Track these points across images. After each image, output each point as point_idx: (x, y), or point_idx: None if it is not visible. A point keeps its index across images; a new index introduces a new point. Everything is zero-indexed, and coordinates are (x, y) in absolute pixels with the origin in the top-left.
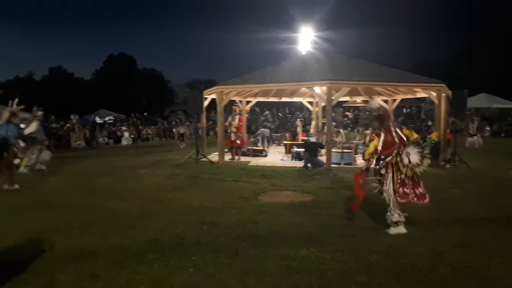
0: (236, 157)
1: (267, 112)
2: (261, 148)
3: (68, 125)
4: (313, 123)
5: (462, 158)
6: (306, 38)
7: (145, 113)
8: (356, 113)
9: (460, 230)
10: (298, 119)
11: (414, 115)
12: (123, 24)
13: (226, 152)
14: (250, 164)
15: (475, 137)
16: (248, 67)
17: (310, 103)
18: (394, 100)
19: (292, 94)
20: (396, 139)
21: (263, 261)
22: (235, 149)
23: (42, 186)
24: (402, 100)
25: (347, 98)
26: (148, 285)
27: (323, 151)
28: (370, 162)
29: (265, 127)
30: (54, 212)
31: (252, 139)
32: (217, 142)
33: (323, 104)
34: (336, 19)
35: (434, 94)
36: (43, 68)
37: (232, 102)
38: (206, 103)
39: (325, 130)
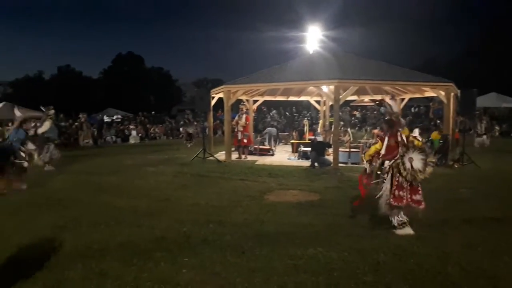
0: (243, 156)
1: (274, 111)
2: (268, 147)
3: (76, 123)
4: (321, 122)
5: (471, 158)
6: (313, 37)
7: (153, 112)
8: (363, 112)
9: (468, 230)
10: (305, 118)
11: (422, 114)
12: (131, 23)
13: (233, 151)
14: (257, 163)
15: (484, 137)
16: (256, 66)
17: (318, 102)
18: (402, 99)
19: (299, 93)
20: (400, 145)
21: (270, 260)
22: (242, 148)
23: (51, 184)
24: (410, 99)
25: (354, 97)
26: (155, 282)
27: (330, 150)
28: (371, 165)
29: (272, 126)
30: (63, 210)
31: (259, 138)
32: (224, 141)
33: (330, 103)
34: (344, 18)
35: (442, 93)
36: (52, 67)
37: (239, 101)
38: (213, 102)
39: (333, 129)
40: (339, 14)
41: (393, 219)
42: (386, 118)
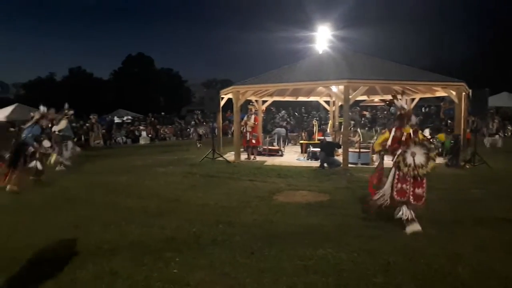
0: (252, 157)
1: (283, 112)
2: (277, 147)
3: (87, 124)
4: (330, 122)
5: (483, 158)
6: (323, 37)
7: (163, 113)
8: (373, 112)
9: (480, 231)
10: (314, 119)
11: (433, 114)
12: (141, 24)
13: (242, 152)
14: (266, 163)
15: (496, 137)
16: (265, 66)
17: (327, 102)
18: (413, 99)
19: (308, 93)
20: (403, 138)
21: (279, 261)
22: (251, 149)
23: (62, 184)
24: (421, 99)
25: (364, 97)
26: (165, 282)
27: (340, 150)
28: (380, 155)
29: (281, 126)
30: (74, 210)
31: (268, 138)
32: (233, 141)
33: (340, 103)
34: (354, 17)
35: (453, 93)
36: (64, 69)
37: (248, 102)
38: (222, 102)
39: (342, 129)
40: (348, 13)
41: (400, 212)
42: (397, 114)
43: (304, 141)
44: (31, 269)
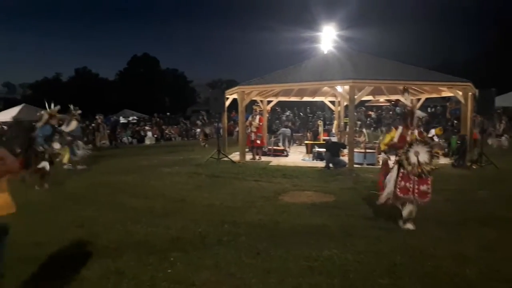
0: (257, 157)
1: (288, 112)
2: (282, 148)
3: (93, 125)
4: (335, 122)
5: (490, 159)
6: (328, 37)
7: (168, 113)
8: (379, 112)
9: (487, 232)
10: (319, 119)
11: (439, 114)
12: (147, 25)
13: (247, 152)
14: (271, 164)
15: (503, 137)
16: (270, 66)
17: (332, 102)
18: (419, 99)
19: (313, 93)
20: (408, 137)
21: (285, 261)
22: (256, 149)
23: (68, 184)
24: (427, 99)
25: (370, 97)
26: (170, 282)
27: (345, 151)
28: (386, 154)
29: (286, 126)
30: (80, 210)
31: (273, 138)
32: (238, 142)
33: (345, 103)
34: (359, 17)
35: (460, 93)
36: (70, 69)
37: (253, 102)
38: (227, 103)
39: (347, 129)
40: (353, 13)
41: (402, 210)
42: (401, 111)
43: (309, 142)
44: (36, 269)
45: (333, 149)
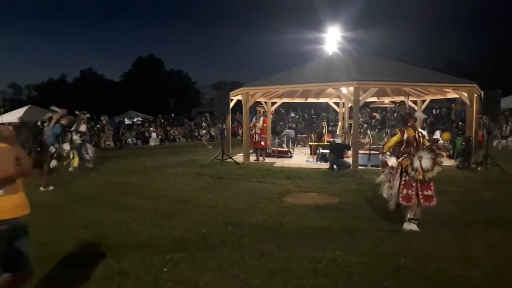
0: (261, 158)
1: (292, 113)
2: (286, 149)
3: (98, 126)
4: (340, 124)
5: (495, 161)
6: (332, 38)
7: (172, 114)
8: (383, 114)
9: (492, 234)
10: (324, 120)
11: (444, 116)
12: (151, 27)
13: (251, 153)
14: (275, 165)
15: (509, 139)
16: (274, 68)
17: (337, 104)
18: (424, 101)
19: (318, 95)
20: (416, 140)
21: (289, 263)
22: (260, 150)
23: (74, 185)
24: (432, 100)
25: (374, 99)
26: (174, 283)
27: (350, 152)
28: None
29: (290, 128)
30: (85, 211)
31: (277, 140)
32: (242, 143)
33: (349, 105)
34: (364, 18)
35: (465, 94)
36: (75, 70)
37: (257, 103)
38: (232, 104)
39: (352, 131)
40: (359, 15)
41: (406, 214)
42: (400, 114)
43: (314, 143)
44: (41, 268)
45: (337, 151)
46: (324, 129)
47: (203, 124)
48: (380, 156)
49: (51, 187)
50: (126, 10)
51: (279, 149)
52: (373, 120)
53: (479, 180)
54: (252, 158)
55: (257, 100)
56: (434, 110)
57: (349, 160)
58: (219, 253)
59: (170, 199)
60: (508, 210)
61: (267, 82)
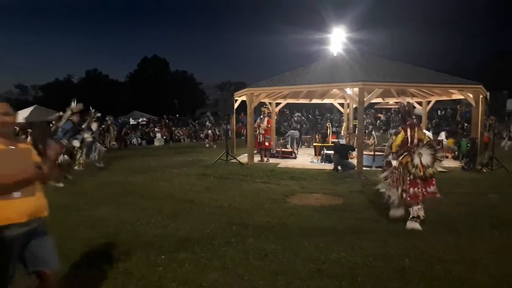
0: (265, 159)
1: (296, 114)
2: (290, 150)
3: (103, 126)
4: (344, 125)
5: (500, 162)
6: (337, 39)
7: (177, 115)
8: (388, 115)
9: (498, 236)
10: (328, 121)
11: (449, 117)
12: (156, 27)
13: (256, 154)
14: (279, 166)
15: None
16: (279, 68)
17: (341, 104)
18: (429, 102)
19: (322, 95)
20: (415, 139)
21: (293, 264)
22: (264, 151)
23: (79, 184)
24: (437, 102)
25: (379, 100)
26: (179, 283)
27: (354, 153)
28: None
29: (294, 128)
30: (90, 210)
31: (281, 141)
32: (247, 143)
33: (354, 105)
34: (369, 19)
35: (471, 95)
36: (81, 71)
37: (262, 104)
38: (236, 105)
39: (357, 132)
40: (364, 15)
41: (411, 210)
42: (399, 115)
43: (318, 144)
44: None
45: (342, 152)
46: (329, 130)
47: (207, 123)
48: (390, 156)
49: (61, 184)
50: (131, 11)
51: (283, 149)
52: (378, 121)
53: (484, 181)
54: (256, 158)
55: (262, 100)
56: (439, 111)
57: (354, 161)
58: (224, 253)
59: (175, 199)
60: None
61: (271, 83)
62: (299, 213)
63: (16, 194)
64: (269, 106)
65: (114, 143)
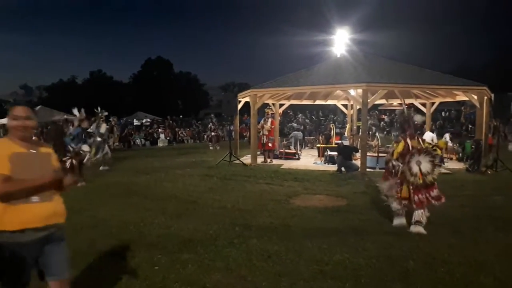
0: (268, 160)
1: (300, 115)
2: (293, 151)
3: (107, 127)
4: (348, 126)
5: (505, 164)
6: (341, 40)
7: (181, 116)
8: (392, 116)
9: (502, 239)
10: (332, 122)
11: (453, 119)
12: (160, 29)
13: (259, 155)
14: (282, 167)
15: None
16: (282, 70)
17: (345, 106)
18: (433, 103)
19: (326, 96)
20: (412, 146)
21: (296, 265)
22: (267, 152)
23: (83, 185)
24: (441, 103)
25: (383, 101)
26: (182, 284)
27: (358, 154)
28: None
29: (298, 130)
30: (93, 210)
31: (285, 142)
32: (250, 144)
33: (358, 107)
34: (373, 20)
35: (475, 97)
36: (85, 72)
37: (265, 105)
38: (240, 106)
39: (360, 133)
40: (367, 16)
41: (415, 214)
42: (399, 122)
43: (321, 145)
44: None
45: (345, 153)
46: (332, 131)
47: (210, 125)
48: (394, 161)
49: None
50: (135, 12)
51: (286, 151)
52: (382, 123)
53: (489, 183)
54: (260, 159)
55: (265, 102)
56: (443, 113)
57: (357, 163)
58: (227, 254)
59: (178, 200)
60: None
61: (275, 84)
62: (302, 214)
63: (34, 198)
64: (272, 107)
65: (117, 144)
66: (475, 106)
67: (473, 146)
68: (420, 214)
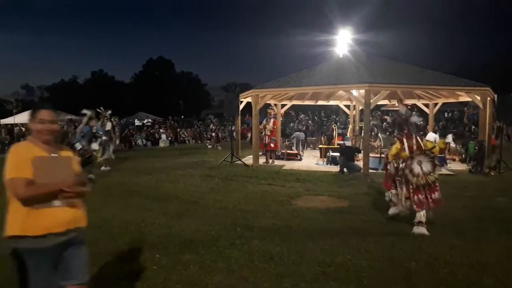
0: (270, 161)
1: (302, 115)
2: (295, 151)
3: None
4: (350, 126)
5: (508, 165)
6: (343, 41)
7: (182, 116)
8: (395, 117)
9: (505, 240)
10: (334, 123)
11: (456, 119)
12: (162, 28)
13: (261, 156)
14: (284, 167)
15: None
16: (284, 70)
17: (347, 106)
18: (436, 104)
19: (328, 97)
20: (414, 147)
21: (298, 266)
22: (269, 153)
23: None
24: (444, 104)
25: (385, 102)
26: (183, 285)
27: (360, 155)
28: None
29: (300, 130)
30: (95, 211)
31: (287, 142)
32: (252, 145)
33: (360, 107)
34: (375, 20)
35: (478, 98)
36: (86, 72)
37: (267, 105)
38: (241, 106)
39: (363, 134)
40: (370, 17)
41: (417, 215)
42: (397, 122)
43: (324, 146)
44: None
45: (348, 154)
46: (334, 131)
47: (211, 126)
48: (394, 163)
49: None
50: (137, 12)
51: (288, 151)
52: (384, 123)
53: (492, 184)
54: (262, 160)
55: (267, 102)
56: (446, 114)
57: (360, 163)
58: (228, 255)
59: (180, 200)
60: None
61: (277, 84)
62: (304, 215)
63: (57, 202)
64: (274, 107)
65: (117, 143)
66: (478, 107)
67: (476, 147)
68: (421, 215)
